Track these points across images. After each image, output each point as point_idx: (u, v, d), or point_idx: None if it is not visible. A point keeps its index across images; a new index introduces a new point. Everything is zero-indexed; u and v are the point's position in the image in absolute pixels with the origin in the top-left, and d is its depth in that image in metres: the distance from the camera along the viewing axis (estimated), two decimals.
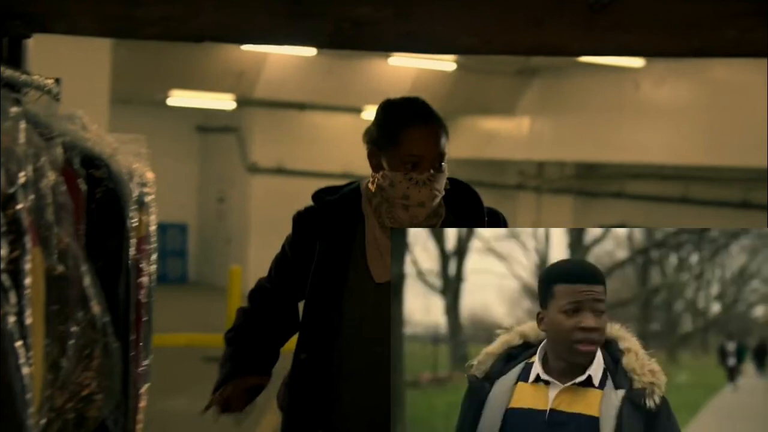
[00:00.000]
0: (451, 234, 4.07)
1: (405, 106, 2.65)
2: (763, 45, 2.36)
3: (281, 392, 2.75)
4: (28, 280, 1.70)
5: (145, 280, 2.37)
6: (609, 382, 1.81)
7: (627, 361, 1.83)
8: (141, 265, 2.34)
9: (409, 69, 13.29)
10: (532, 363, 1.86)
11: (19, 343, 1.65)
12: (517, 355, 1.90)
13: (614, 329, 1.87)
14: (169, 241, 15.88)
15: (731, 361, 7.45)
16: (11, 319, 1.64)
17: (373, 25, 2.42)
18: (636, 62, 11.88)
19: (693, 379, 6.91)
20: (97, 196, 2.10)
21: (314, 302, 2.67)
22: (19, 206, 1.71)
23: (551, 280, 1.85)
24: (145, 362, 2.42)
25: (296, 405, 2.68)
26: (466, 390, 1.90)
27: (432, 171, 2.56)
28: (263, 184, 15.26)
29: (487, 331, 2.01)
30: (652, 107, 12.42)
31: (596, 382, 1.81)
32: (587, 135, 13.46)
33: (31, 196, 1.77)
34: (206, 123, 16.51)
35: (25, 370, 1.66)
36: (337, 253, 2.64)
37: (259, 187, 15.29)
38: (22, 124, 1.80)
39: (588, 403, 1.80)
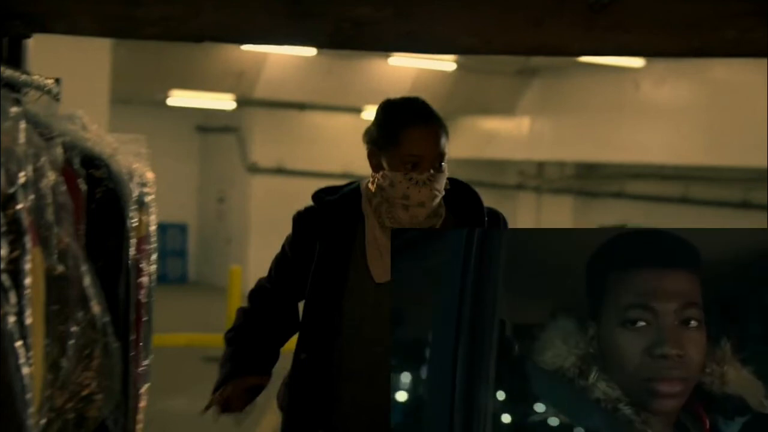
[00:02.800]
0: None
1: (405, 106, 2.65)
2: (763, 45, 2.36)
3: (281, 392, 2.75)
4: (28, 280, 1.69)
5: (145, 280, 2.37)
6: None
7: None
8: (141, 265, 2.34)
9: (409, 69, 13.28)
10: None
11: (19, 343, 1.65)
12: None
13: None
14: (169, 241, 15.86)
15: None
16: (11, 319, 1.64)
17: (373, 25, 2.42)
18: (636, 62, 11.87)
19: None
20: (97, 196, 2.10)
21: (314, 302, 2.67)
22: (19, 206, 1.71)
23: None
24: (145, 362, 2.42)
25: (296, 405, 2.68)
26: None
27: (432, 171, 2.56)
28: (263, 184, 15.25)
29: None
30: (652, 107, 12.41)
31: None
32: (587, 135, 13.45)
33: (31, 196, 1.77)
34: (206, 123, 16.50)
35: (25, 370, 1.66)
36: (337, 253, 2.64)
37: (259, 187, 15.28)
38: (22, 124, 1.80)
39: None
